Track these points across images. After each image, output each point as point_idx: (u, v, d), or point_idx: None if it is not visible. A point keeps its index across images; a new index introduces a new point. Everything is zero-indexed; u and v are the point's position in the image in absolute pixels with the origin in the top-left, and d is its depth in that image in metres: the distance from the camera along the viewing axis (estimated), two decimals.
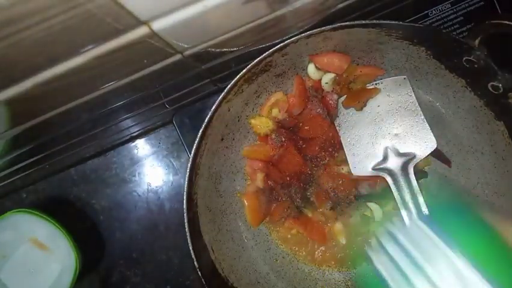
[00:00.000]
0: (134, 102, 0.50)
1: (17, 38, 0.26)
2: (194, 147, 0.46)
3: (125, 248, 0.63)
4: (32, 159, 0.56)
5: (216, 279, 0.50)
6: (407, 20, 0.61)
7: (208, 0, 0.33)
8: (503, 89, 0.46)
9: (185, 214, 0.46)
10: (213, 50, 0.44)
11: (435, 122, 0.56)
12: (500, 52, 0.46)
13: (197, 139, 0.46)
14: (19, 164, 0.55)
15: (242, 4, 0.36)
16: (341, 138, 0.55)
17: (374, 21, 0.46)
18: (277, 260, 0.57)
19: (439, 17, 0.62)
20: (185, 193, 0.46)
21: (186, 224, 0.46)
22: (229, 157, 0.55)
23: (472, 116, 0.53)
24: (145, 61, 0.40)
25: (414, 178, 0.52)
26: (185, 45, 0.40)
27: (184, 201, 0.46)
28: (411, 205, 0.50)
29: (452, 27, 0.62)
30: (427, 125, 0.53)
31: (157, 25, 0.32)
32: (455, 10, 0.62)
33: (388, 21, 0.46)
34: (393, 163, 0.53)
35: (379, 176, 0.53)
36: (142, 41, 0.34)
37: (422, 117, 0.53)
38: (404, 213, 0.50)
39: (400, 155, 0.53)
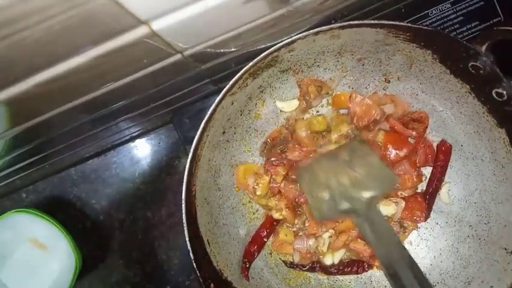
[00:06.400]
0: (134, 102, 0.50)
1: (17, 38, 0.26)
2: (196, 138, 0.46)
3: (125, 248, 0.63)
4: (32, 159, 0.56)
5: (211, 271, 0.50)
6: (407, 20, 0.61)
7: (208, 0, 0.33)
8: (508, 96, 0.46)
9: (183, 204, 0.46)
10: (213, 50, 0.44)
11: (437, 127, 0.56)
12: (506, 59, 0.46)
13: (199, 130, 0.46)
14: (19, 164, 0.55)
15: (242, 4, 0.37)
16: (301, 186, 0.54)
17: (383, 22, 0.46)
18: (271, 256, 0.57)
19: (439, 17, 0.62)
20: (184, 183, 0.46)
21: (184, 215, 0.46)
22: (230, 151, 0.55)
23: (474, 122, 0.52)
24: (145, 61, 0.40)
25: (380, 213, 0.50)
26: (185, 45, 0.40)
27: (183, 191, 0.46)
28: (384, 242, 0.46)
29: (452, 27, 0.62)
30: (384, 163, 0.52)
31: (157, 25, 0.32)
32: (455, 10, 0.62)
33: (397, 23, 0.46)
34: (358, 204, 0.49)
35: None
36: (142, 41, 0.34)
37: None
38: (378, 252, 0.47)
39: (363, 197, 0.50)
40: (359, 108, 0.54)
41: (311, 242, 0.55)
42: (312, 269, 0.56)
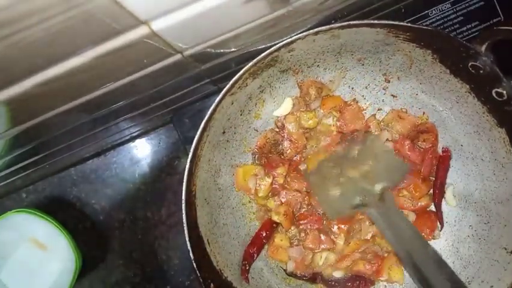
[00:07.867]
0: (134, 102, 0.50)
1: (17, 38, 0.26)
2: (196, 138, 0.46)
3: (125, 248, 0.63)
4: (32, 159, 0.56)
5: (211, 271, 0.50)
6: (407, 20, 0.61)
7: (208, 0, 0.33)
8: (508, 95, 0.46)
9: (183, 204, 0.46)
10: (213, 50, 0.44)
11: (437, 127, 0.56)
12: (506, 59, 0.46)
13: (199, 130, 0.46)
14: (19, 164, 0.55)
15: (242, 4, 0.37)
16: (312, 188, 0.55)
17: (383, 22, 0.46)
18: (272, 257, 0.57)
19: (439, 17, 0.62)
20: (184, 183, 0.46)
21: (184, 215, 0.46)
22: (230, 151, 0.55)
23: (473, 122, 0.52)
24: (145, 61, 0.40)
25: (394, 205, 0.51)
26: (185, 45, 0.40)
27: (183, 191, 0.46)
28: (400, 232, 0.48)
29: (452, 27, 0.62)
30: (392, 153, 0.54)
31: (157, 25, 0.32)
32: (455, 10, 0.62)
33: (397, 22, 0.46)
34: (370, 198, 0.51)
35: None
36: (142, 41, 0.34)
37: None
38: (395, 247, 0.48)
39: (375, 189, 0.52)
40: (348, 114, 0.56)
41: (307, 252, 0.55)
42: (313, 280, 0.56)
